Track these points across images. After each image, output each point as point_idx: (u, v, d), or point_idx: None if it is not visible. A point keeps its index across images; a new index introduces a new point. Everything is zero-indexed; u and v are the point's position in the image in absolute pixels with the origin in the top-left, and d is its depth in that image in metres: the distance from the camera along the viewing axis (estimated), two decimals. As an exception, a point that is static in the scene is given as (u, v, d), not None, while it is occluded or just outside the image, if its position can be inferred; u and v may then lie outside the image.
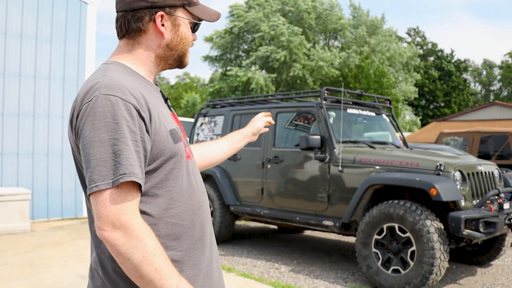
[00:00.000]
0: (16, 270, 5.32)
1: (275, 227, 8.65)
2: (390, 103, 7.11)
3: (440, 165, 4.98)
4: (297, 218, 6.00)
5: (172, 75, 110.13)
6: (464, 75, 58.12)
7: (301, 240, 7.82)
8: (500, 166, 10.13)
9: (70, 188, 9.01)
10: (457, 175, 5.01)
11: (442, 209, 5.05)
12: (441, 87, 51.86)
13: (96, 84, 1.27)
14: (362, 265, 5.20)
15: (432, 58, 55.20)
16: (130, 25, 1.41)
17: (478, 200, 5.16)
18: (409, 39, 54.79)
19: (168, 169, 1.33)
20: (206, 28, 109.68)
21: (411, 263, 4.83)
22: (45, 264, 5.64)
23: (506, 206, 5.11)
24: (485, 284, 5.49)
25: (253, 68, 31.35)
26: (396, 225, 4.94)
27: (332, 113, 6.10)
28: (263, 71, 32.30)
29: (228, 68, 33.71)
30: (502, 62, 60.22)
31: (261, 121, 2.09)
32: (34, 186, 8.54)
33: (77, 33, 9.08)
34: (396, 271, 4.97)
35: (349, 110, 6.34)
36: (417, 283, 4.75)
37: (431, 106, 53.21)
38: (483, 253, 6.23)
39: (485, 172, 5.50)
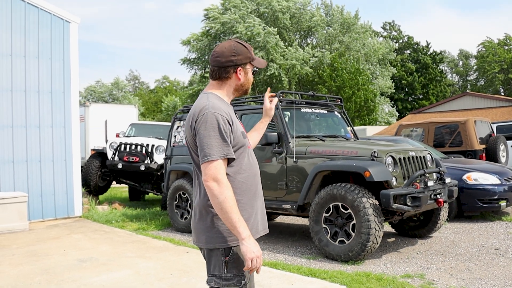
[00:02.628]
0: (22, 259, 6.26)
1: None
2: (341, 101, 8.12)
3: (374, 152, 6.00)
4: (261, 204, 7.00)
5: (151, 79, 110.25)
6: (441, 67, 59.58)
7: (271, 226, 8.82)
8: (452, 152, 11.23)
9: (62, 191, 9.90)
10: (389, 160, 6.04)
11: (379, 189, 6.05)
12: (419, 79, 53.13)
13: (205, 105, 2.32)
14: (315, 239, 6.22)
15: (408, 51, 56.48)
16: (221, 74, 2.47)
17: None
18: (385, 34, 56.06)
19: (240, 152, 2.38)
20: (183, 32, 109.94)
21: (353, 234, 5.85)
22: (46, 253, 6.58)
23: (430, 183, 6.16)
24: (420, 250, 6.53)
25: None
26: (340, 204, 5.97)
27: (287, 113, 7.11)
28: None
29: (207, 70, 34.57)
30: (478, 52, 61.75)
31: (266, 102, 2.99)
32: (29, 190, 9.41)
33: (62, 49, 9.97)
34: (342, 242, 6.00)
35: (303, 109, 7.37)
36: (358, 250, 5.78)
37: (410, 99, 54.47)
38: (423, 226, 7.28)
39: (417, 157, 6.53)
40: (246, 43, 2.50)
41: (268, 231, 2.59)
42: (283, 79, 32.33)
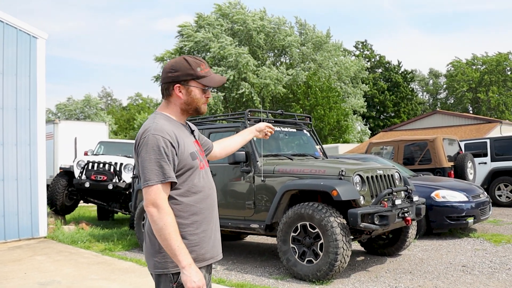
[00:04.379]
0: (-21, 283, 6.01)
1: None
2: (310, 120, 8.11)
3: (342, 171, 5.98)
4: (229, 224, 6.90)
5: (124, 97, 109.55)
6: (412, 85, 60.54)
7: (240, 246, 8.72)
8: (421, 170, 11.33)
9: (26, 210, 9.62)
10: (356, 178, 6.02)
11: (347, 208, 6.01)
12: (390, 97, 53.89)
13: (148, 128, 2.27)
14: (283, 259, 6.14)
15: (380, 70, 57.35)
16: (163, 92, 2.42)
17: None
18: (357, 52, 56.84)
19: (188, 174, 2.30)
20: (157, 48, 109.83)
21: (321, 254, 5.79)
22: (5, 276, 6.35)
23: (398, 202, 6.16)
24: (389, 269, 6.51)
25: (204, 88, 32.18)
26: (307, 223, 5.91)
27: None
28: (213, 90, 33.29)
29: (179, 88, 34.43)
30: (447, 71, 63.11)
31: (263, 124, 3.06)
32: (-9, 210, 9.12)
33: (28, 65, 9.77)
34: (310, 261, 5.92)
35: (271, 128, 7.31)
36: (326, 269, 5.71)
37: (382, 117, 55.18)
38: (392, 244, 7.27)
39: (385, 175, 6.54)
40: (196, 59, 2.41)
41: (221, 257, 2.48)
42: (254, 98, 32.40)
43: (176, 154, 2.26)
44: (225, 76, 30.57)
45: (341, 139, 32.77)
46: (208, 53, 33.51)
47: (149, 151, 2.21)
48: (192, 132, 2.50)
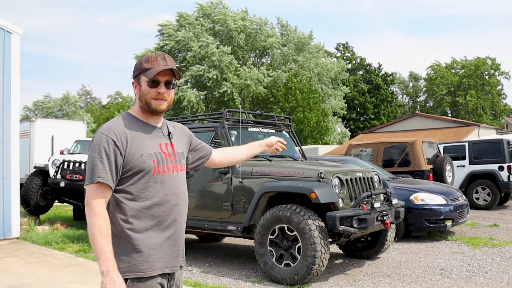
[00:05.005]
0: None
1: (195, 237, 9.37)
2: (289, 121, 8.03)
3: (321, 173, 5.90)
4: (206, 226, 6.78)
5: (104, 95, 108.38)
6: (392, 88, 61.08)
7: (217, 247, 8.59)
8: (401, 172, 11.34)
9: (-2, 210, 9.36)
10: (335, 181, 5.94)
11: (325, 210, 5.93)
12: (371, 99, 54.24)
13: (102, 126, 2.27)
14: (260, 262, 6.03)
15: (361, 72, 57.69)
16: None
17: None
18: (338, 54, 57.08)
19: (138, 177, 2.22)
20: (137, 47, 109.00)
21: (299, 257, 5.70)
22: (-27, 279, 6.12)
23: (377, 205, 6.09)
24: (367, 272, 6.44)
25: (185, 86, 32.04)
26: (285, 226, 5.81)
27: (234, 132, 6.95)
28: (194, 89, 33.10)
29: (160, 86, 34.15)
30: (427, 74, 63.78)
31: (274, 138, 2.95)
32: (-38, 210, 8.86)
33: (2, 62, 9.51)
34: (287, 264, 5.83)
35: (250, 129, 7.23)
36: (303, 273, 5.62)
37: (362, 119, 55.52)
38: (371, 247, 7.21)
39: (364, 178, 6.47)
40: (151, 54, 2.37)
41: (177, 269, 2.37)
42: (235, 97, 32.30)
43: (121, 154, 2.21)
44: (208, 74, 30.63)
45: (321, 141, 32.83)
46: (189, 52, 33.30)
47: (91, 150, 2.21)
48: (169, 134, 2.42)
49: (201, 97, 32.81)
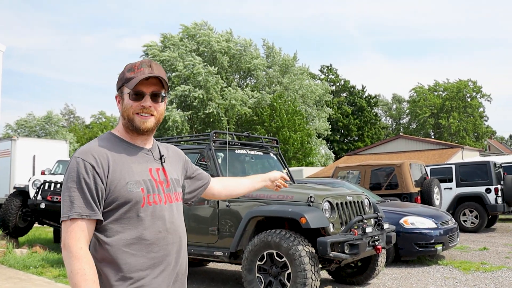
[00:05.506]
0: None
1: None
2: (277, 143, 7.87)
3: (311, 197, 5.72)
4: (192, 250, 6.52)
5: (87, 114, 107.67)
6: (375, 110, 61.50)
7: (203, 272, 8.32)
8: (388, 195, 11.21)
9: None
10: (326, 205, 5.77)
11: (316, 236, 5.74)
12: (354, 121, 54.47)
13: (79, 148, 1.91)
14: (248, 289, 5.79)
15: (345, 94, 58.01)
16: None
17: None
18: (323, 76, 57.40)
19: (123, 210, 1.84)
20: (121, 67, 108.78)
21: (288, 284, 5.48)
22: None
23: (369, 230, 5.92)
24: (358, 300, 6.23)
25: (171, 106, 31.87)
26: (274, 252, 5.61)
27: (221, 154, 6.75)
28: (179, 110, 32.93)
29: (144, 106, 33.96)
30: (410, 97, 64.39)
31: (278, 173, 2.62)
32: None
33: (-18, 80, 9.26)
34: (276, 292, 5.60)
35: (238, 151, 7.04)
36: (293, 302, 5.39)
37: (346, 140, 55.65)
38: (361, 273, 7.01)
39: (354, 202, 6.30)
40: (135, 63, 1.99)
41: None
42: (222, 118, 32.19)
43: (103, 182, 1.83)
44: (194, 94, 30.42)
45: (304, 162, 32.75)
46: (174, 73, 33.20)
47: (66, 178, 1.84)
48: (161, 157, 2.04)
49: (186, 117, 32.64)
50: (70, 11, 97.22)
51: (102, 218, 1.82)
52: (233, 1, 77.09)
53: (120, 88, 1.98)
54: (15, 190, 11.47)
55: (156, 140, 2.18)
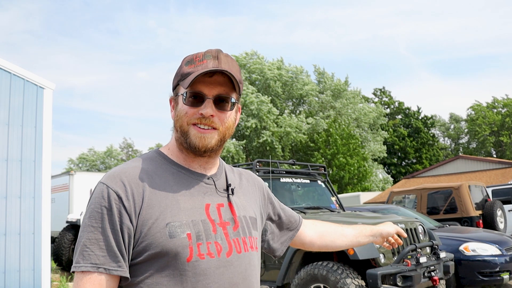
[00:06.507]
0: None
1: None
2: (324, 170, 7.60)
3: (359, 225, 5.40)
4: (238, 284, 6.31)
5: (145, 147, 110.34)
6: (432, 131, 59.92)
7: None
8: (447, 219, 10.65)
9: (29, 266, 9.14)
10: (375, 234, 5.43)
11: (365, 267, 5.41)
12: (411, 144, 53.23)
13: (109, 171, 1.40)
14: (295, 325, 5.50)
15: (400, 116, 56.90)
16: None
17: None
18: (376, 99, 56.61)
19: (159, 266, 1.29)
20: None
21: (338, 320, 5.16)
22: None
23: (423, 259, 5.53)
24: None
25: (224, 136, 32.04)
26: (322, 285, 5.32)
27: (265, 183, 6.55)
28: (233, 139, 33.09)
29: (199, 137, 34.32)
30: (468, 115, 62.43)
31: (392, 228, 1.95)
32: (-9, 268, 8.68)
33: (34, 116, 9.52)
34: (325, 328, 5.29)
35: (283, 179, 6.82)
36: None
37: (403, 163, 54.36)
38: (418, 306, 6.57)
39: (407, 229, 5.93)
40: (196, 53, 1.44)
41: None
42: (276, 146, 32.12)
43: (131, 220, 1.29)
44: (247, 124, 30.45)
45: (360, 186, 32.07)
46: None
47: (87, 212, 1.34)
48: (227, 187, 1.48)
49: (241, 147, 32.74)
50: (127, 49, 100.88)
51: (128, 275, 1.29)
52: (282, 29, 77.65)
53: (175, 87, 1.46)
54: (67, 224, 11.67)
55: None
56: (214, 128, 1.39)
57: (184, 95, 1.38)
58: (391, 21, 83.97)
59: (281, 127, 32.44)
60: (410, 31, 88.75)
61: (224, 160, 26.49)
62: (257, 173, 6.54)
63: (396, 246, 1.99)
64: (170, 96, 1.49)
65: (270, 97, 34.61)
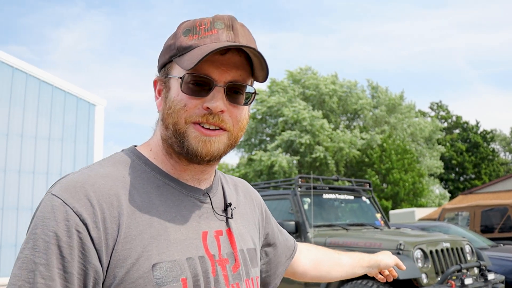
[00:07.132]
0: None
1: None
2: (369, 186, 7.48)
3: (400, 244, 5.28)
4: (278, 301, 6.27)
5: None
6: (492, 145, 57.80)
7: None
8: (502, 239, 10.21)
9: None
10: (418, 253, 5.29)
11: (407, 287, 5.27)
12: (469, 159, 51.50)
13: (61, 178, 0.98)
14: None
15: (457, 131, 55.27)
16: None
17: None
18: (433, 114, 55.25)
19: None
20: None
21: None
22: None
23: (468, 281, 5.33)
24: None
25: (277, 151, 32.03)
26: (362, 305, 5.20)
27: (307, 199, 6.51)
28: (287, 154, 33.04)
29: (253, 152, 34.46)
30: (531, 129, 59.93)
31: (391, 260, 1.72)
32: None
33: (86, 132, 9.91)
34: None
35: (325, 195, 6.75)
36: None
37: (461, 179, 52.62)
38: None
39: (452, 249, 5.74)
40: (197, 19, 1.02)
41: None
42: (329, 162, 31.83)
43: (100, 260, 0.89)
44: (301, 140, 30.36)
45: (415, 202, 31.28)
46: (281, 118, 33.53)
47: (28, 235, 0.90)
48: (226, 207, 1.11)
49: (294, 162, 32.61)
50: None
51: None
52: (336, 44, 77.25)
53: (165, 65, 1.05)
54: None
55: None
56: (223, 129, 1.00)
57: (183, 79, 0.98)
58: (447, 33, 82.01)
59: (335, 142, 32.18)
60: (467, 43, 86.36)
61: (275, 174, 25.72)
62: (299, 189, 6.51)
63: (391, 279, 1.75)
64: (156, 76, 1.08)
65: (325, 112, 34.46)
